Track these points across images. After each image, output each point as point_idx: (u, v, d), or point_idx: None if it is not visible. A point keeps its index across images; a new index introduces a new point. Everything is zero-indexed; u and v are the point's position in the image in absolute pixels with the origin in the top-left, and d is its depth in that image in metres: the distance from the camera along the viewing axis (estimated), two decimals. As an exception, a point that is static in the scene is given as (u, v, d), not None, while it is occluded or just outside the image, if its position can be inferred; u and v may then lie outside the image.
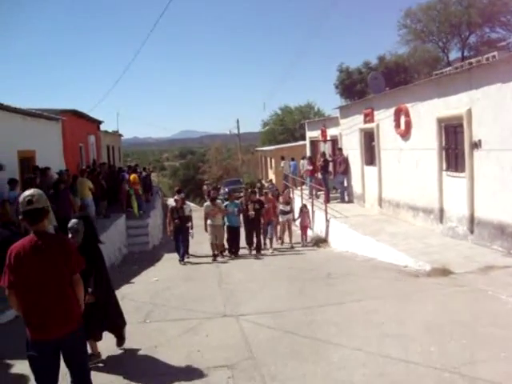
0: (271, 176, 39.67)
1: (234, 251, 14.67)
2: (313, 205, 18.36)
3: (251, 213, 14.50)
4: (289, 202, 16.76)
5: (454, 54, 40.76)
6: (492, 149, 10.33)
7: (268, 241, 15.77)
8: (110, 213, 18.90)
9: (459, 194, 11.58)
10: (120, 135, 40.60)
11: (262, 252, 14.83)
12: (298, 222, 17.00)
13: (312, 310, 7.28)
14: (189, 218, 14.48)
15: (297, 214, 17.17)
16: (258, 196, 16.13)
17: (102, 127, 31.12)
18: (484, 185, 10.66)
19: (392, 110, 15.03)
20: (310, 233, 17.51)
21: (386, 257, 11.40)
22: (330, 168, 20.99)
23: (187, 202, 14.87)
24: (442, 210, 12.47)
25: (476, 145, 10.80)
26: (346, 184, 20.19)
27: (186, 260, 14.06)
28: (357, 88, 38.49)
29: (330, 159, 20.96)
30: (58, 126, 19.58)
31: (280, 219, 16.62)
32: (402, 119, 14.38)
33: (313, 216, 18.32)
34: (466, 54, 38.84)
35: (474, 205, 11.07)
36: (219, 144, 66.46)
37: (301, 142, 38.59)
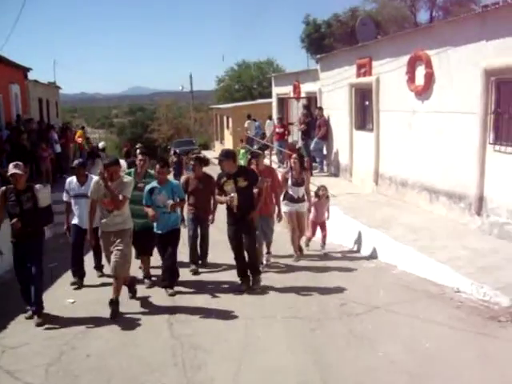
0: (228, 137, 35.80)
1: (167, 280, 7.63)
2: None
3: (230, 197, 7.41)
4: (302, 179, 9.24)
5: (422, 15, 38.12)
6: None
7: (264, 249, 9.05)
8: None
9: (517, 179, 8.15)
10: (57, 87, 35.53)
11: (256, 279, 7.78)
12: (311, 216, 10.00)
13: None
14: (48, 212, 6.83)
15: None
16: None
17: (34, 77, 26.39)
18: None
19: (402, 60, 11.34)
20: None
21: (413, 266, 7.90)
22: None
23: (92, 176, 8.16)
24: (481, 198, 9.00)
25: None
26: (325, 152, 16.61)
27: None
28: (325, 42, 34.81)
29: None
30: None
31: (285, 209, 9.21)
32: (420, 71, 10.72)
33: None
34: (434, 14, 36.18)
35: (544, 196, 7.65)
36: (170, 101, 61.55)
37: (262, 100, 34.80)
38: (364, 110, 14.06)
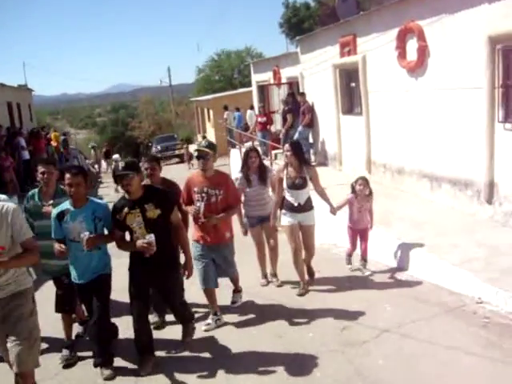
0: (209, 130, 34.53)
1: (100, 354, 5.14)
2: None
3: (147, 242, 4.70)
4: (303, 179, 6.66)
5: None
6: None
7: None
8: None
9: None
10: (29, 89, 34.10)
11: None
12: (348, 220, 7.44)
13: None
14: None
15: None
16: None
17: (4, 81, 24.99)
18: None
19: (390, 34, 10.17)
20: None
21: (422, 271, 6.77)
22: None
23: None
24: (491, 184, 7.89)
25: None
26: (311, 140, 15.46)
27: None
28: (305, 26, 33.58)
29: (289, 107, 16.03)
30: None
31: (284, 222, 6.81)
32: (412, 45, 9.59)
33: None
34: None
35: None
36: (149, 96, 60.11)
37: (243, 90, 33.52)
38: (350, 93, 12.90)
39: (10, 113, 25.68)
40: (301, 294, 6.60)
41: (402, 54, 9.86)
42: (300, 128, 14.92)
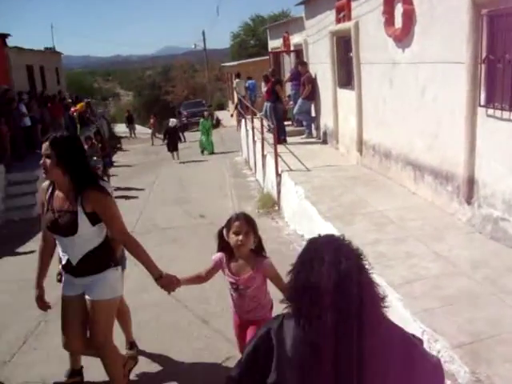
0: (236, 97, 33.25)
1: None
2: (263, 146, 12.35)
3: None
4: (70, 214, 3.57)
5: None
6: None
7: None
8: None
9: (516, 156, 5.66)
10: (57, 53, 33.24)
11: None
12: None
13: None
14: None
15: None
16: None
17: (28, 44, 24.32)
18: None
19: (381, -3, 8.76)
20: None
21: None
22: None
23: None
24: (471, 181, 6.53)
25: None
26: (313, 114, 14.14)
27: None
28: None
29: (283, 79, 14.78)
30: None
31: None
32: (398, 10, 8.13)
33: (264, 164, 12.40)
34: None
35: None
36: (184, 60, 59.06)
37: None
38: (347, 64, 11.50)
39: (31, 76, 25.06)
40: None
41: (389, 21, 8.42)
42: (300, 101, 13.69)
